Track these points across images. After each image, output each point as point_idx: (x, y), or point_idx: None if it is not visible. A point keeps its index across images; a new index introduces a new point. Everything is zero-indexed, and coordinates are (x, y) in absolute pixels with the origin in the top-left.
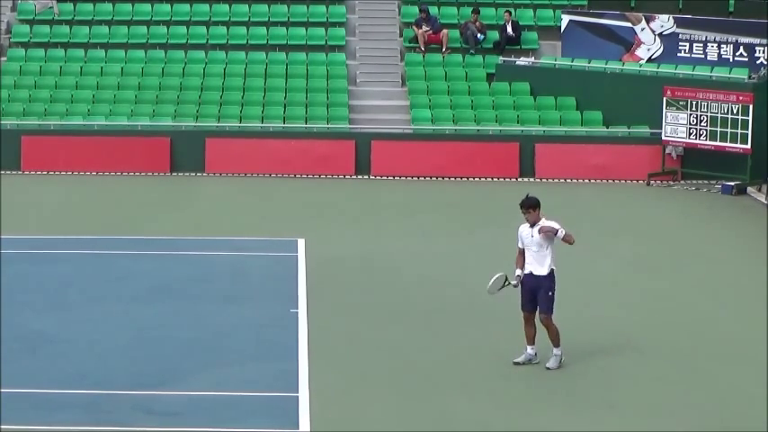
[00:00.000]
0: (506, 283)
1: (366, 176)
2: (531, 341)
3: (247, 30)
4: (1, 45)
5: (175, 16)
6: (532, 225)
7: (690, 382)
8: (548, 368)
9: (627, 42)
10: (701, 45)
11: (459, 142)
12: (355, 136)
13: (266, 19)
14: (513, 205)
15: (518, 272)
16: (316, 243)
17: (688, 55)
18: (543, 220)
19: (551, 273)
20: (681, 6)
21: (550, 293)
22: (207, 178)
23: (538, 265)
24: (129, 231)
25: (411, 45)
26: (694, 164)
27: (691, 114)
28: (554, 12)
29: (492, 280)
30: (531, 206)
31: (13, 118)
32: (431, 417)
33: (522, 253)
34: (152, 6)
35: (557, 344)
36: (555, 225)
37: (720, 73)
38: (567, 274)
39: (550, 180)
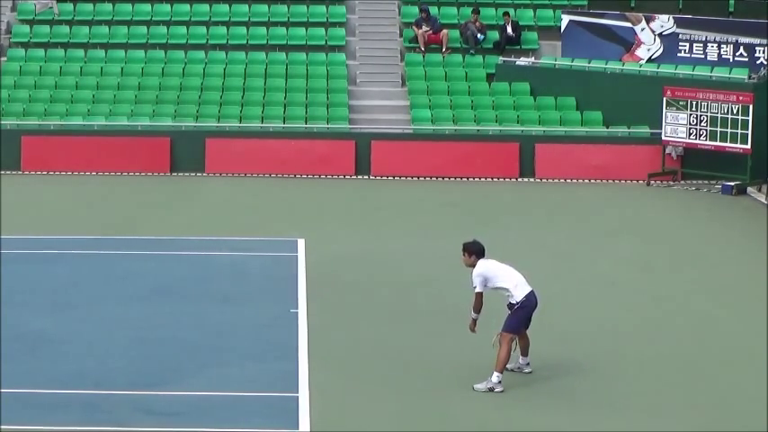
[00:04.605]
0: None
1: (366, 176)
2: (523, 353)
3: (247, 30)
4: (1, 45)
5: (175, 16)
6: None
7: (690, 383)
8: (473, 388)
9: (627, 42)
10: (701, 45)
11: (459, 142)
12: (355, 136)
13: (266, 19)
14: (514, 206)
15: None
16: (316, 243)
17: (688, 55)
18: (477, 268)
19: (512, 303)
20: (681, 6)
21: (509, 312)
22: (207, 178)
23: None
24: (129, 231)
25: (411, 45)
26: (694, 164)
27: (691, 114)
28: (554, 12)
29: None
30: (465, 249)
31: (13, 118)
32: (431, 417)
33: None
34: (152, 6)
35: (497, 368)
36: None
37: (720, 73)
38: (567, 274)
39: (550, 180)
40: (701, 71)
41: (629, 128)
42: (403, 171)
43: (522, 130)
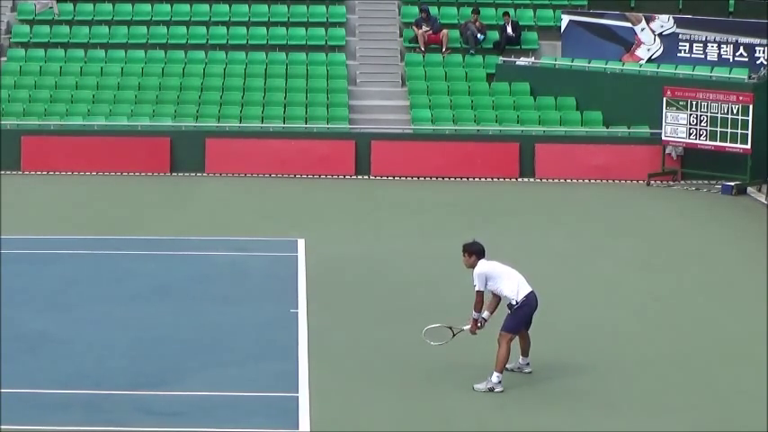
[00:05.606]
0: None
1: (366, 176)
2: (523, 353)
3: (247, 30)
4: (1, 45)
5: (175, 16)
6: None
7: (690, 383)
8: (473, 388)
9: (627, 42)
10: (701, 45)
11: (459, 142)
12: (355, 136)
13: (266, 19)
14: (514, 206)
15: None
16: (316, 243)
17: (688, 55)
18: (478, 267)
19: (512, 303)
20: (681, 6)
21: (508, 312)
22: (207, 178)
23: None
24: (129, 231)
25: (411, 45)
26: (694, 164)
27: (691, 114)
28: (554, 12)
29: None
30: (465, 250)
31: (13, 118)
32: (431, 417)
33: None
34: (152, 6)
35: (496, 368)
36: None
37: (720, 73)
38: (567, 274)
39: (550, 180)
40: (701, 71)
41: (629, 128)
42: (403, 171)
43: (522, 130)
